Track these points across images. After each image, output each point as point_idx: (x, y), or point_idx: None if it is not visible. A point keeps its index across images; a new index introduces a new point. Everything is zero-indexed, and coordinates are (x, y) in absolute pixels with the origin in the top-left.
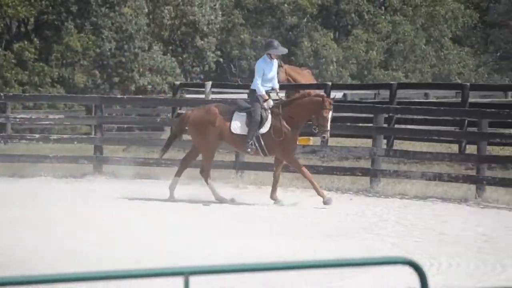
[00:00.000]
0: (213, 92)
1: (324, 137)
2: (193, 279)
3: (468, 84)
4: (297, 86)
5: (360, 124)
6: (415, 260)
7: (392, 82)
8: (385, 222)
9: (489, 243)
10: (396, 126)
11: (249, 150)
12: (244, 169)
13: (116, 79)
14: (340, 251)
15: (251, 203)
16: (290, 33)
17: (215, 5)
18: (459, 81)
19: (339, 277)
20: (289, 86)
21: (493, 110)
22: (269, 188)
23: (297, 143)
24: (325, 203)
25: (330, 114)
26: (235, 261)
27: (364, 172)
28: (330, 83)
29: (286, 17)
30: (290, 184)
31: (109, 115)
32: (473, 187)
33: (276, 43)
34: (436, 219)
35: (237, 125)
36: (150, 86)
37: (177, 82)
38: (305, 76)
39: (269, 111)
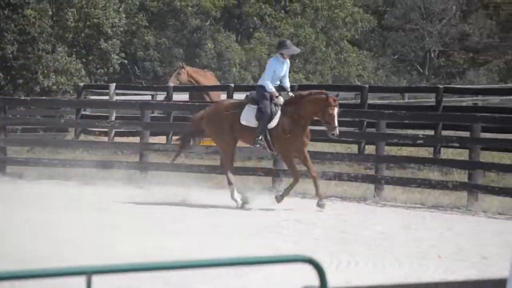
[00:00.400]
0: (117, 94)
1: (333, 134)
2: (96, 279)
3: (367, 86)
4: (200, 88)
5: None
6: (315, 258)
7: (293, 84)
8: (286, 222)
9: (387, 241)
10: None
11: (258, 145)
12: (149, 169)
13: (20, 81)
14: (242, 249)
15: (156, 203)
16: (194, 35)
17: (119, 8)
18: (358, 83)
19: (241, 275)
20: (192, 88)
21: (390, 111)
22: (174, 188)
23: (308, 140)
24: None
25: (335, 111)
26: (143, 261)
27: (267, 172)
28: (233, 85)
29: (190, 19)
30: (198, 184)
31: (13, 116)
32: (372, 186)
33: (288, 42)
34: (336, 218)
35: (247, 117)
36: (54, 87)
37: (81, 84)
38: (208, 78)
39: (279, 107)
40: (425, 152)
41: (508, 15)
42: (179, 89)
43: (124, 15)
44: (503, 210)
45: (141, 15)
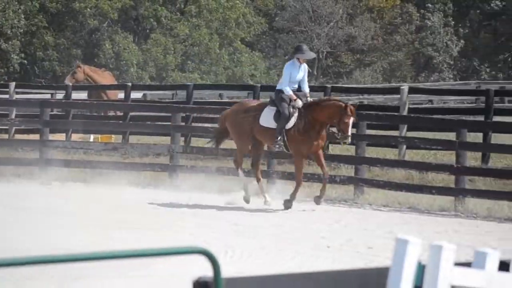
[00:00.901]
0: (17, 92)
1: (345, 142)
2: None
3: (259, 85)
4: (98, 87)
5: (159, 123)
6: (209, 250)
7: (188, 83)
8: (184, 215)
9: (280, 233)
10: (193, 124)
11: (277, 146)
12: (49, 165)
13: None
14: (141, 242)
15: (60, 198)
16: (92, 36)
17: (18, 9)
18: (251, 83)
19: (139, 266)
20: (90, 86)
21: None
22: (76, 184)
23: (323, 142)
24: (284, 207)
25: (351, 120)
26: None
27: (163, 167)
28: (130, 84)
29: (88, 21)
30: (100, 180)
31: None
32: (264, 180)
33: (304, 47)
34: (231, 211)
35: (266, 118)
36: None
37: None
38: (105, 77)
39: (296, 110)
40: None
41: (391, 19)
42: (78, 88)
43: (23, 16)
44: (387, 202)
45: (41, 16)
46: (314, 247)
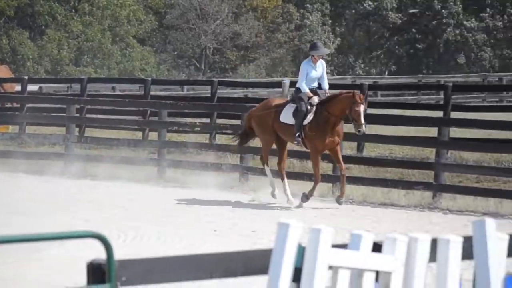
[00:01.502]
0: None
1: (359, 131)
2: None
3: (150, 79)
4: None
5: (55, 114)
6: (103, 234)
7: (82, 77)
8: (79, 201)
9: (169, 217)
10: (87, 115)
11: (295, 142)
12: None
13: None
14: (37, 227)
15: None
16: None
17: None
18: (142, 76)
19: (35, 251)
20: None
21: (171, 101)
22: None
23: (339, 138)
24: (298, 205)
25: (362, 108)
26: None
27: (59, 156)
28: (26, 77)
29: None
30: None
31: None
32: (155, 169)
33: (318, 44)
34: (124, 197)
35: (286, 115)
36: None
37: None
38: (1, 71)
39: (314, 107)
40: (202, 138)
41: (274, 18)
42: None
43: None
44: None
45: None
46: (202, 231)
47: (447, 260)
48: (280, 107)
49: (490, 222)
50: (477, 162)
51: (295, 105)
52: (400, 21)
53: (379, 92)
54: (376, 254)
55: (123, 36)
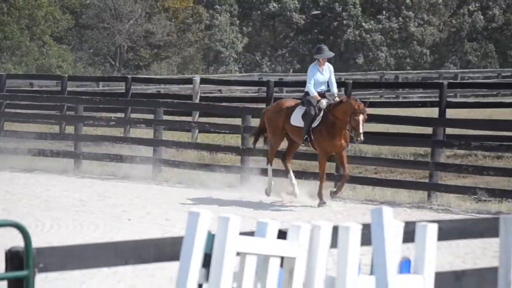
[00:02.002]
0: None
1: (357, 140)
2: None
3: (67, 75)
4: None
5: None
6: (20, 223)
7: (1, 73)
8: None
9: (85, 207)
10: (6, 110)
11: (303, 144)
12: None
13: None
14: None
15: None
16: None
17: None
18: (59, 73)
19: None
20: None
21: (87, 97)
22: None
23: (346, 142)
24: (318, 205)
25: (361, 117)
26: None
27: None
28: None
29: None
30: None
31: None
32: (72, 161)
33: (323, 47)
34: (41, 188)
35: (296, 117)
36: None
37: None
38: None
39: (322, 110)
40: (117, 131)
41: (184, 18)
42: None
43: None
44: (181, 180)
45: None
46: (116, 219)
47: (347, 246)
48: (291, 109)
49: (387, 211)
50: (376, 154)
51: (304, 108)
52: (304, 22)
53: (285, 89)
54: (281, 241)
55: (40, 35)
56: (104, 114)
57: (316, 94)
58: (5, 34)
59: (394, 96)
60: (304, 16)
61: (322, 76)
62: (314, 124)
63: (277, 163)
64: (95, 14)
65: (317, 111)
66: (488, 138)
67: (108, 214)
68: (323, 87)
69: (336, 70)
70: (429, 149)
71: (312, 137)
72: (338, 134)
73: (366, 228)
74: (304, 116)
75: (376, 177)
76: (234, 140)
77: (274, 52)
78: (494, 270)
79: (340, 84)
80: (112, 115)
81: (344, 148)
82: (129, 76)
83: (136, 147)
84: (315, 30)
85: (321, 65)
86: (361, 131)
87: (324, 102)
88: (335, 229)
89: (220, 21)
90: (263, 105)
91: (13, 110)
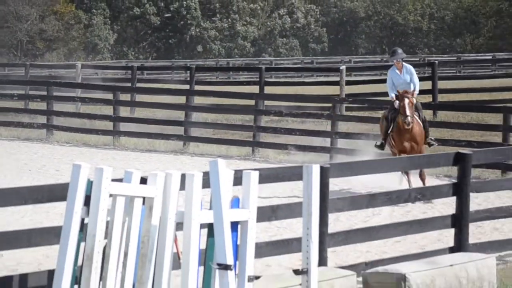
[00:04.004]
0: None
1: (405, 122)
2: None
3: None
4: None
5: None
6: None
7: None
8: None
9: None
10: None
11: (380, 148)
12: None
13: None
14: None
15: None
16: None
17: None
18: None
19: None
20: None
21: None
22: None
23: (418, 146)
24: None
25: (406, 101)
26: None
27: None
28: None
29: None
30: None
31: None
32: None
33: (396, 50)
34: None
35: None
36: None
37: None
38: None
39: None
40: (20, 104)
41: (69, 19)
42: None
43: None
44: (69, 140)
45: None
46: (19, 171)
47: (192, 188)
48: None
49: (221, 162)
50: (214, 120)
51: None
52: (159, 22)
53: (145, 72)
54: (143, 185)
55: None
56: (9, 91)
57: (392, 95)
58: None
59: (226, 77)
60: (159, 18)
61: (401, 79)
62: (390, 128)
63: None
64: (1, 16)
65: (393, 115)
66: (295, 108)
67: (13, 166)
68: (410, 88)
69: (181, 58)
70: (252, 116)
71: (390, 141)
72: (408, 135)
73: (206, 175)
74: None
75: (214, 137)
76: (108, 110)
77: (137, 44)
78: (300, 205)
79: (186, 68)
80: (16, 92)
81: (418, 150)
82: (27, 63)
83: (34, 116)
84: (167, 29)
85: (399, 67)
86: (408, 113)
87: (396, 103)
88: (183, 176)
89: (97, 21)
90: (128, 84)
91: None
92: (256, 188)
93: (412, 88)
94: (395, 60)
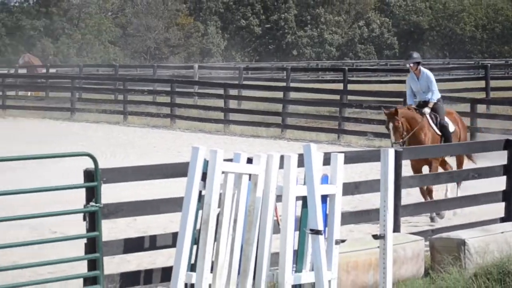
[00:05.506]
0: None
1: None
2: None
3: (118, 65)
4: None
5: None
6: (92, 153)
7: None
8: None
9: (131, 144)
10: None
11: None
12: None
13: None
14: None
15: None
16: None
17: None
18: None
19: (51, 163)
20: None
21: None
22: None
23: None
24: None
25: (389, 126)
26: None
27: None
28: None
29: None
30: None
31: None
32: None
33: (411, 54)
34: (103, 133)
35: None
36: None
37: None
38: (34, 59)
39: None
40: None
41: (188, 29)
42: None
43: None
44: (189, 127)
45: None
46: (149, 152)
47: (289, 167)
48: None
49: (313, 146)
50: (306, 112)
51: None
52: (261, 32)
53: (250, 72)
54: (249, 164)
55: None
56: (140, 88)
57: (409, 103)
58: None
59: (316, 76)
60: (261, 28)
61: (417, 85)
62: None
63: None
64: (135, 28)
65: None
66: (373, 102)
67: (144, 148)
68: (426, 97)
69: (279, 61)
70: (338, 108)
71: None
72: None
73: (300, 157)
74: None
75: (306, 125)
76: (220, 103)
77: (243, 49)
78: (378, 181)
79: (282, 69)
80: (146, 88)
81: (429, 163)
82: (155, 65)
83: (160, 108)
84: (267, 37)
85: (417, 73)
86: (392, 140)
87: (427, 110)
88: (282, 157)
89: (211, 30)
90: (236, 81)
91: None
92: (342, 167)
93: (429, 97)
94: (410, 65)
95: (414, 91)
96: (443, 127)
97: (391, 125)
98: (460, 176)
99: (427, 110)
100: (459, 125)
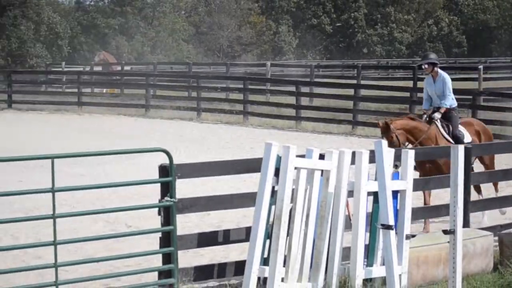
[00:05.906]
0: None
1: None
2: None
3: (191, 62)
4: None
5: None
6: (166, 149)
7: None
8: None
9: (203, 140)
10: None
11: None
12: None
13: None
14: (127, 146)
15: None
16: None
17: None
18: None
19: (131, 158)
20: None
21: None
22: None
23: (442, 165)
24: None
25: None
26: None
27: None
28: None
29: None
30: None
31: None
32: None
33: (427, 54)
34: (175, 129)
35: None
36: None
37: None
38: (109, 57)
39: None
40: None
41: (260, 28)
42: None
43: None
44: (262, 124)
45: None
46: (222, 147)
47: (361, 163)
48: None
49: (384, 142)
50: (376, 109)
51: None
52: (332, 30)
53: (321, 69)
54: (321, 160)
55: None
56: (214, 85)
57: (425, 108)
58: None
59: (386, 74)
60: (331, 27)
61: (433, 89)
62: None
63: None
64: (208, 26)
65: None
66: None
67: (217, 144)
68: (437, 102)
69: (349, 59)
70: (407, 105)
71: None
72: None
73: (371, 153)
74: None
75: (377, 122)
76: (292, 100)
77: (314, 47)
78: (447, 177)
79: (353, 67)
80: (219, 85)
81: (436, 170)
82: (228, 63)
83: (233, 104)
84: (338, 35)
85: (434, 75)
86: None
87: (425, 117)
88: (353, 153)
89: (283, 29)
90: (307, 79)
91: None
92: (412, 163)
93: (440, 99)
94: (425, 65)
95: (429, 94)
96: (456, 138)
97: (384, 140)
98: None
99: (437, 115)
100: (481, 136)
